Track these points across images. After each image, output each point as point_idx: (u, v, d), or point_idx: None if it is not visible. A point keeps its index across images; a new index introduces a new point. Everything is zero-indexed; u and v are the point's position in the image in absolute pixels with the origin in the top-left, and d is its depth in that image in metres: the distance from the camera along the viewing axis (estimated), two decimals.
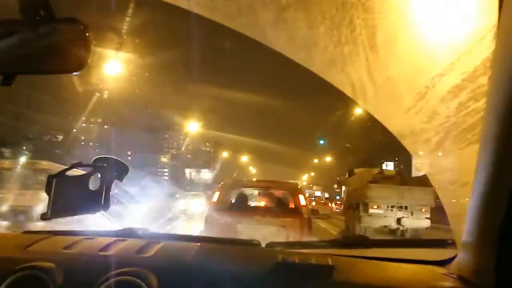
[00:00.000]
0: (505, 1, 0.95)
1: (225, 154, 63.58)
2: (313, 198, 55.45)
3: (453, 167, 1.46)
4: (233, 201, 7.04)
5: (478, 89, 1.18)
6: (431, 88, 1.38)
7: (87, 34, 1.03)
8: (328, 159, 52.62)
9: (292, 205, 6.70)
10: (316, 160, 61.40)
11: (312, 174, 71.21)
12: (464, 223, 1.09)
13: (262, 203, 8.31)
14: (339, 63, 1.60)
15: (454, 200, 1.44)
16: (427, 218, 13.60)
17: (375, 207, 14.07)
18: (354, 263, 1.49)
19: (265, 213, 6.44)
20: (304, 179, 73.53)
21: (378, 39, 1.41)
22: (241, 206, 6.76)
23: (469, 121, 1.25)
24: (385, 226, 14.45)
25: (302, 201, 6.56)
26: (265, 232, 5.58)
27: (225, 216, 6.10)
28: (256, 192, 8.24)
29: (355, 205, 15.44)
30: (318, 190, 63.79)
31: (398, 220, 13.90)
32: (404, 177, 15.50)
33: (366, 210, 14.20)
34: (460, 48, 1.22)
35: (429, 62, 1.37)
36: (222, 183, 7.72)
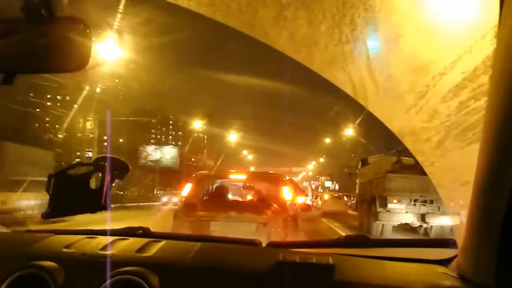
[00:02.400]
0: (505, 1, 0.95)
1: (198, 125, 40.92)
2: (321, 191, 43.26)
3: (453, 166, 1.46)
4: (207, 195, 6.16)
5: (478, 88, 1.18)
6: (431, 87, 1.38)
7: (88, 33, 1.03)
8: (349, 132, 35.39)
9: (276, 200, 5.72)
10: (328, 140, 45.35)
11: (322, 159, 54.64)
12: (464, 222, 1.09)
13: (241, 198, 7.23)
14: (340, 62, 1.60)
15: (454, 199, 1.44)
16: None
17: (395, 201, 11.98)
18: (355, 262, 1.49)
19: (244, 208, 5.52)
20: (310, 168, 59.40)
21: (379, 38, 1.41)
22: (216, 200, 5.88)
23: (469, 120, 1.25)
24: (406, 224, 12.52)
25: (288, 195, 5.73)
26: (242, 231, 4.94)
27: (197, 212, 5.38)
28: (235, 184, 7.22)
29: (371, 199, 13.32)
30: (328, 181, 52.47)
31: (422, 217, 11.89)
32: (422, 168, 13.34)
33: (384, 205, 12.14)
34: (461, 47, 1.22)
35: (430, 61, 1.37)
36: (195, 174, 6.63)
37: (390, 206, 12.09)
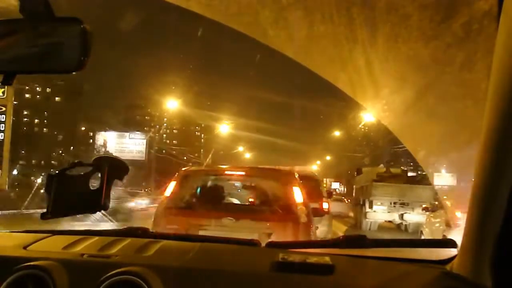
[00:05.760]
0: (505, 1, 0.95)
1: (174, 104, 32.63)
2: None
3: (453, 166, 1.46)
4: (196, 196, 5.02)
5: (477, 88, 1.19)
6: (431, 87, 1.38)
7: (87, 33, 1.03)
8: (368, 118, 28.06)
9: (283, 203, 4.65)
10: (337, 133, 39.09)
11: (328, 158, 47.22)
12: (464, 222, 1.09)
13: (238, 200, 5.61)
14: (339, 63, 1.61)
15: (454, 199, 1.44)
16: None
17: (379, 203, 15.69)
18: (354, 263, 1.49)
19: (243, 214, 4.57)
20: (314, 168, 50.12)
21: (378, 38, 1.41)
22: (206, 204, 4.83)
23: (469, 120, 1.25)
24: (389, 221, 16.33)
25: (298, 197, 4.60)
26: None
27: (182, 217, 4.51)
28: (232, 183, 5.69)
29: (362, 202, 17.04)
30: (336, 182, 46.69)
31: (401, 216, 15.47)
32: (407, 176, 17.50)
33: (371, 206, 15.87)
34: (460, 48, 1.22)
35: (429, 61, 1.37)
36: (181, 169, 5.64)
37: (375, 207, 15.84)
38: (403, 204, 15.45)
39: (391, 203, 15.64)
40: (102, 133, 35.86)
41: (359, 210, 17.88)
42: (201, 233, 4.15)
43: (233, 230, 4.20)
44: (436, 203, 11.92)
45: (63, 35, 1.04)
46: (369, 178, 17.24)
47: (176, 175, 5.19)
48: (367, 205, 16.14)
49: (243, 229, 4.26)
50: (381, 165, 24.24)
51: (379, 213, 15.89)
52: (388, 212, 15.76)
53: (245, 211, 4.85)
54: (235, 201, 5.55)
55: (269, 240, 3.66)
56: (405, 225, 15.92)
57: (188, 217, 4.49)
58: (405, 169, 20.72)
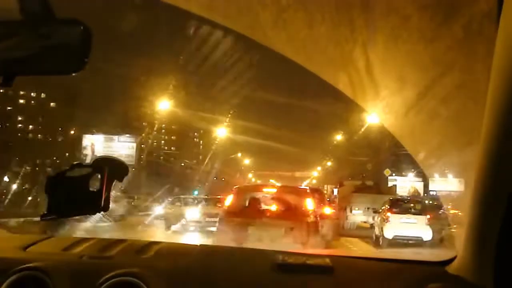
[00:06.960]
0: (505, 1, 0.95)
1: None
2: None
3: (453, 167, 1.46)
4: (245, 204, 7.63)
5: (478, 89, 1.18)
6: (431, 89, 1.38)
7: (87, 35, 1.03)
8: (370, 121, 26.80)
9: (300, 209, 7.32)
10: (339, 137, 39.57)
11: (329, 163, 47.69)
12: (464, 223, 1.09)
13: (272, 207, 8.66)
14: (339, 63, 1.61)
15: (453, 201, 1.44)
16: None
17: (357, 209, 21.12)
18: (354, 264, 1.49)
19: (275, 216, 7.15)
20: (315, 174, 52.26)
21: (378, 39, 1.41)
22: (251, 209, 7.36)
23: (469, 122, 1.25)
24: (365, 222, 21.17)
25: (310, 205, 7.45)
26: (273, 234, 6.33)
27: (236, 218, 6.97)
28: (266, 196, 8.72)
29: (344, 208, 22.19)
30: (336, 188, 46.41)
31: (373, 217, 19.52)
32: (379, 187, 23.79)
33: (351, 211, 21.18)
34: (460, 48, 1.22)
35: (429, 62, 1.37)
36: (234, 188, 8.92)
37: (354, 212, 21.15)
38: (374, 209, 19.58)
39: (365, 208, 20.70)
40: (89, 136, 34.51)
41: (342, 214, 23.11)
42: (249, 228, 6.60)
43: (269, 226, 6.57)
44: (387, 206, 15.59)
45: (63, 36, 1.03)
46: (350, 189, 23.09)
47: (232, 190, 8.59)
48: (348, 209, 21.19)
49: (276, 225, 6.61)
50: (387, 169, 31.03)
51: (357, 216, 21.07)
52: (364, 215, 20.78)
53: (276, 214, 7.47)
54: (270, 207, 8.45)
55: (292, 232, 6.57)
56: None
57: (241, 217, 6.95)
58: (376, 181, 26.88)
